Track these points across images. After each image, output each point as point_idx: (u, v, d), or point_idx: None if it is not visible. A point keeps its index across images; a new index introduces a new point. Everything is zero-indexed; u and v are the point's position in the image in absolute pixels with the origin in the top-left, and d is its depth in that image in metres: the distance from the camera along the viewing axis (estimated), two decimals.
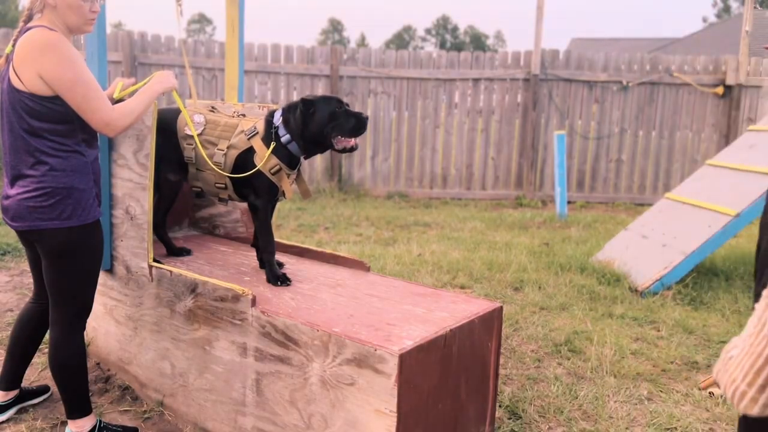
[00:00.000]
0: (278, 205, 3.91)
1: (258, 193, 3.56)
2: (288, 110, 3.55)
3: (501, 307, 3.32)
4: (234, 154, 3.54)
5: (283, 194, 3.59)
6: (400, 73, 11.26)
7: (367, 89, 11.27)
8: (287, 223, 8.88)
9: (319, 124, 3.47)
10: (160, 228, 4.07)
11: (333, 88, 11.08)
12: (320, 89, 11.16)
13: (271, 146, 3.50)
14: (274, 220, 3.88)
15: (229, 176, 3.57)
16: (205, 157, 3.56)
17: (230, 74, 4.48)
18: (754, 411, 1.49)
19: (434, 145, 11.48)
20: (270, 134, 3.53)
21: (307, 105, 3.48)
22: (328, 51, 11.22)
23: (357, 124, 3.47)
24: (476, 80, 11.37)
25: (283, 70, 11.14)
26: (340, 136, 3.47)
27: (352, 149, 3.52)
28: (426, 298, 3.44)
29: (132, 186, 3.56)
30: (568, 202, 11.38)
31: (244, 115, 3.76)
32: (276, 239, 3.98)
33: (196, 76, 10.86)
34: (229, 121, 3.65)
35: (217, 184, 3.67)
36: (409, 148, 11.52)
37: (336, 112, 3.47)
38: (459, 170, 11.57)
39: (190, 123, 3.58)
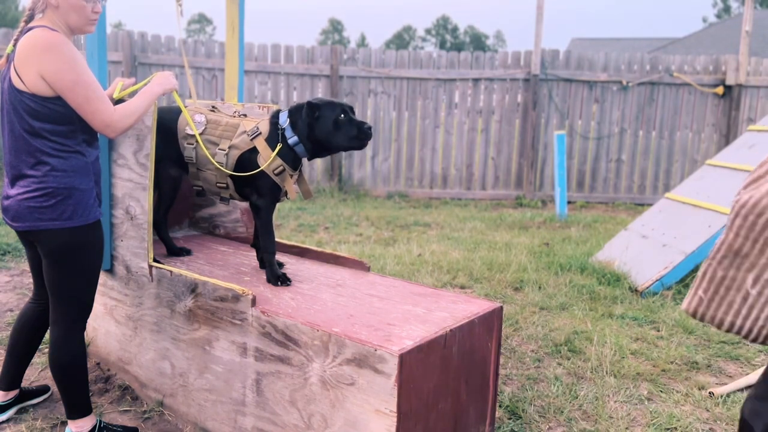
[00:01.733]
0: (278, 204, 3.90)
1: (261, 193, 3.56)
2: (295, 112, 3.56)
3: (501, 307, 3.32)
4: (236, 154, 3.54)
5: (286, 194, 3.59)
6: (400, 73, 11.26)
7: (367, 89, 11.28)
8: (287, 222, 8.89)
9: (323, 131, 3.49)
10: (161, 227, 4.07)
11: (333, 88, 11.09)
12: (320, 89, 11.17)
13: (278, 148, 3.50)
14: (274, 220, 3.89)
15: (233, 174, 3.57)
16: (209, 156, 3.56)
17: (230, 74, 4.49)
18: (683, 305, 1.86)
19: (434, 145, 11.49)
20: (275, 135, 3.54)
21: (312, 109, 3.50)
22: (328, 51, 11.23)
23: (359, 135, 3.48)
24: (476, 80, 11.38)
25: (283, 70, 11.15)
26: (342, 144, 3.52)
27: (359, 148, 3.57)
28: (426, 298, 3.44)
29: (132, 186, 3.56)
30: (568, 202, 11.39)
31: (245, 116, 3.77)
32: (276, 239, 3.99)
33: (196, 76, 10.86)
34: (231, 121, 3.66)
35: (218, 184, 3.67)
36: (409, 148, 11.53)
37: (339, 120, 3.48)
38: (459, 170, 11.58)
39: (191, 123, 3.59)
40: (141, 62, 10.72)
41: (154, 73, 3.58)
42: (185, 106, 3.66)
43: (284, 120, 3.56)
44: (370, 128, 3.50)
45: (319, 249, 4.19)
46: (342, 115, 3.49)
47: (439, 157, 11.54)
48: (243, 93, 4.49)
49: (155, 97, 3.22)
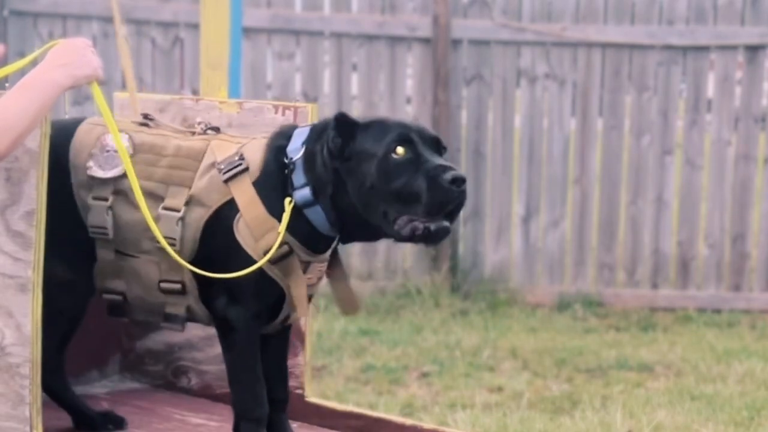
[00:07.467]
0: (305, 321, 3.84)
1: (236, 294, 3.51)
2: (318, 135, 3.47)
3: None
4: (201, 216, 3.50)
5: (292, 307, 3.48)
6: (585, 35, 11.28)
7: (513, 68, 11.31)
8: (339, 359, 8.91)
9: (359, 185, 3.36)
10: (57, 374, 4.04)
11: (438, 66, 11.12)
12: (410, 70, 11.23)
13: (288, 205, 3.40)
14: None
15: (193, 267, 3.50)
16: (150, 220, 3.44)
17: (212, 37, 4.51)
18: None
19: (661, 192, 11.39)
20: (275, 175, 3.49)
21: (343, 128, 3.38)
22: None
23: (435, 197, 3.27)
24: (754, 49, 11.32)
25: (330, 28, 11.27)
26: (402, 215, 3.34)
27: (427, 238, 3.37)
28: None
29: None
30: None
31: (215, 130, 3.73)
32: (315, 399, 3.97)
33: (137, 40, 11.00)
34: (188, 144, 3.63)
35: (163, 284, 3.59)
36: (605, 198, 11.49)
37: (390, 160, 3.32)
38: (716, 247, 11.47)
39: (122, 148, 3.51)
40: (14, 9, 10.92)
41: (51, 41, 3.60)
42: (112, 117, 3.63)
43: (297, 147, 3.49)
44: (461, 180, 3.28)
45: (410, 422, 4.16)
46: (395, 150, 3.33)
47: (673, 219, 11.48)
48: (240, 78, 4.52)
49: (55, 93, 3.22)
